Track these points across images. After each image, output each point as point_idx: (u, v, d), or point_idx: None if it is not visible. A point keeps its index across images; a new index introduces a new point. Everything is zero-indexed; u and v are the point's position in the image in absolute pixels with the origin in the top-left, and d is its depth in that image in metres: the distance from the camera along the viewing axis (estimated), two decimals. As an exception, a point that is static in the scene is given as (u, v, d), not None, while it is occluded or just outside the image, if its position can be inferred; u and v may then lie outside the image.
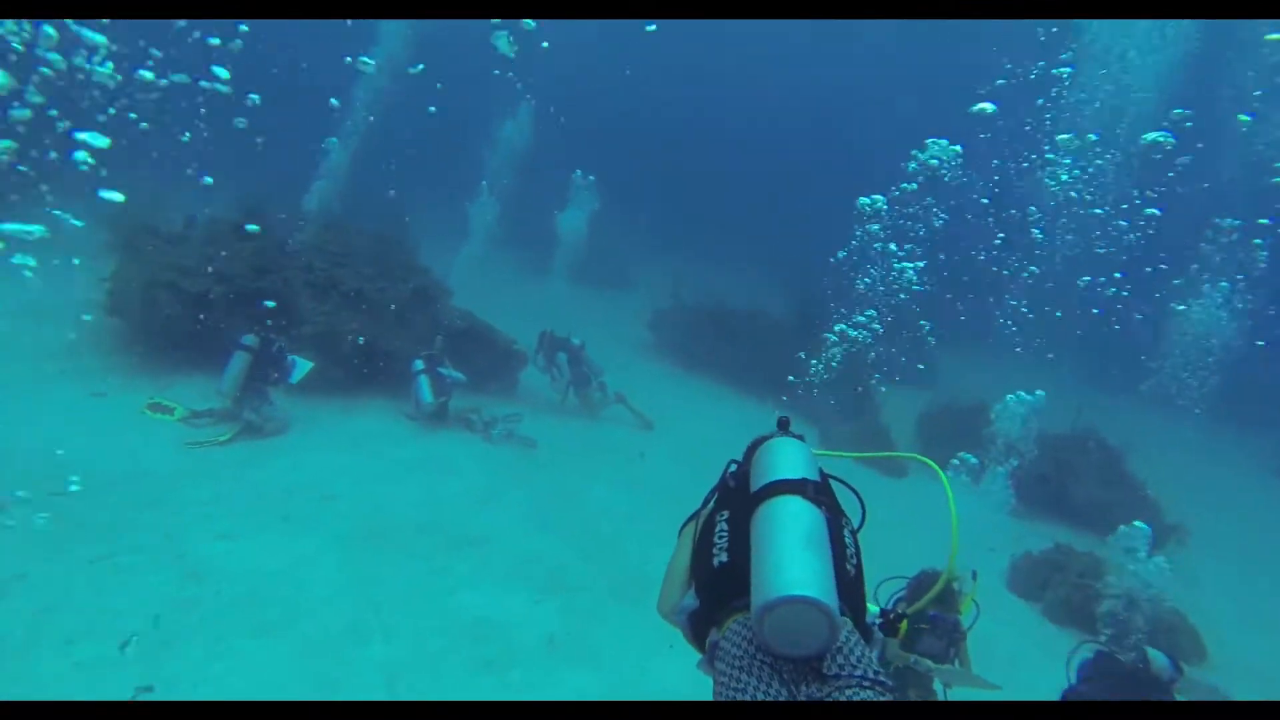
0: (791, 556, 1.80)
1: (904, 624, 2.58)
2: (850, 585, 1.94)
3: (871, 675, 1.72)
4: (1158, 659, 5.03)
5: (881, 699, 1.69)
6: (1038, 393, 10.44)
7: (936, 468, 2.67)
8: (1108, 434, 11.62)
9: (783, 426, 2.44)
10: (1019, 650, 7.13)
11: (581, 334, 11.37)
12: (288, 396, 8.47)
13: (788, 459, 2.11)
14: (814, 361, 12.97)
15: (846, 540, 2.04)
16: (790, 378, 11.74)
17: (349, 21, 8.74)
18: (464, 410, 9.49)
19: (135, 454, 6.80)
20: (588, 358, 10.83)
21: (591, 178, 19.72)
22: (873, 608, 2.35)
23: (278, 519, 6.24)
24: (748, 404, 13.45)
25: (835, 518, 2.06)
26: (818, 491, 1.98)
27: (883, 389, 13.65)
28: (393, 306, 9.99)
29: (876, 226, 11.31)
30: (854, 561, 2.02)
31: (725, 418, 12.43)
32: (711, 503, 2.26)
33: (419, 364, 9.35)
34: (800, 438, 2.33)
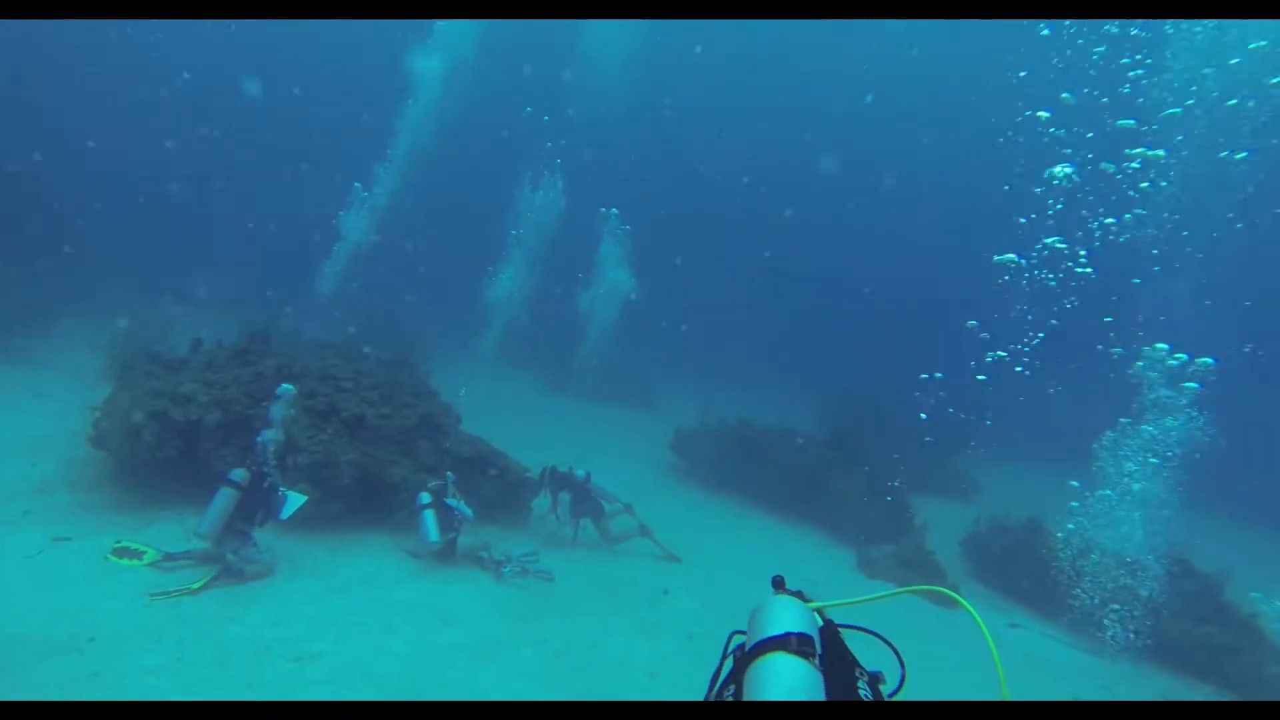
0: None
1: None
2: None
3: None
4: None
5: None
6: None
7: (959, 598, 2.37)
8: (1193, 556, 10.31)
9: (777, 586, 2.29)
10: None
11: (596, 459, 10.52)
12: (278, 533, 7.58)
13: (774, 617, 2.01)
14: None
15: (861, 689, 1.97)
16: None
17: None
18: (473, 547, 8.54)
19: (88, 612, 5.87)
20: (597, 488, 9.87)
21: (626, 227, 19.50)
22: None
23: (241, 689, 5.21)
24: (781, 529, 12.28)
25: (841, 667, 2.01)
26: (801, 644, 1.90)
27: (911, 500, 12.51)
28: (397, 436, 9.23)
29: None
30: None
31: (755, 545, 11.30)
32: (719, 681, 2.11)
33: (425, 497, 8.48)
34: (797, 594, 2.21)
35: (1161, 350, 10.73)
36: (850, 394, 20.23)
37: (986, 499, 14.70)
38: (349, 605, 6.84)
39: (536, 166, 19.88)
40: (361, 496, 8.56)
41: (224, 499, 6.93)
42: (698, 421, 14.99)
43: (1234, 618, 9.68)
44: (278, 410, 7.61)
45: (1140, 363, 10.61)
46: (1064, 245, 13.23)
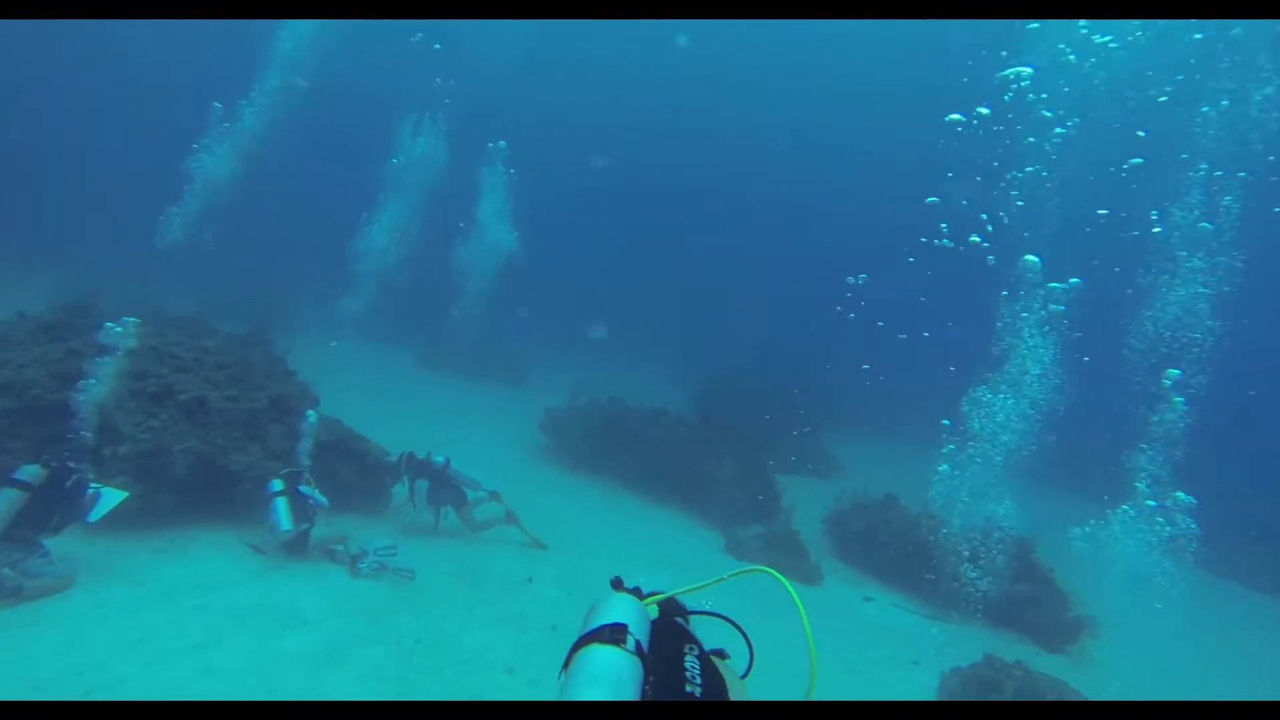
0: (570, 698, 1.84)
1: None
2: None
3: None
4: None
5: None
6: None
7: (778, 576, 2.50)
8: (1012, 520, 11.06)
9: (615, 586, 2.39)
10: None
11: (465, 441, 10.04)
12: (87, 537, 6.70)
13: (598, 613, 2.14)
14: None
15: (687, 666, 2.08)
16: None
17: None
18: (328, 539, 7.92)
19: None
20: (458, 474, 9.34)
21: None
22: None
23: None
24: (651, 511, 12.23)
25: (671, 648, 2.14)
26: (614, 632, 2.00)
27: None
28: (244, 420, 8.41)
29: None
30: (699, 683, 2.04)
31: (624, 528, 11.15)
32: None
33: (276, 484, 7.78)
34: (634, 590, 2.35)
35: (1033, 261, 11.36)
36: (721, 375, 20.54)
37: (850, 476, 15.24)
38: (171, 616, 6.11)
39: (421, 109, 18.71)
40: (199, 487, 7.73)
41: (4, 501, 5.99)
42: (569, 400, 14.71)
43: (1039, 575, 10.49)
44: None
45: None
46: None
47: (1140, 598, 11.16)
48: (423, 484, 9.06)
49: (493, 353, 21.49)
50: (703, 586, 2.63)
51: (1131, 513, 10.56)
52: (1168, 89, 16.12)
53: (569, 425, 14.23)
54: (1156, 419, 11.14)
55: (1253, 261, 12.75)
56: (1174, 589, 11.16)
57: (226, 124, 14.75)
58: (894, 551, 10.89)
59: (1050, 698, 6.92)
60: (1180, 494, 10.37)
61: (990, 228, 13.65)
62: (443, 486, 9.14)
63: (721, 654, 2.40)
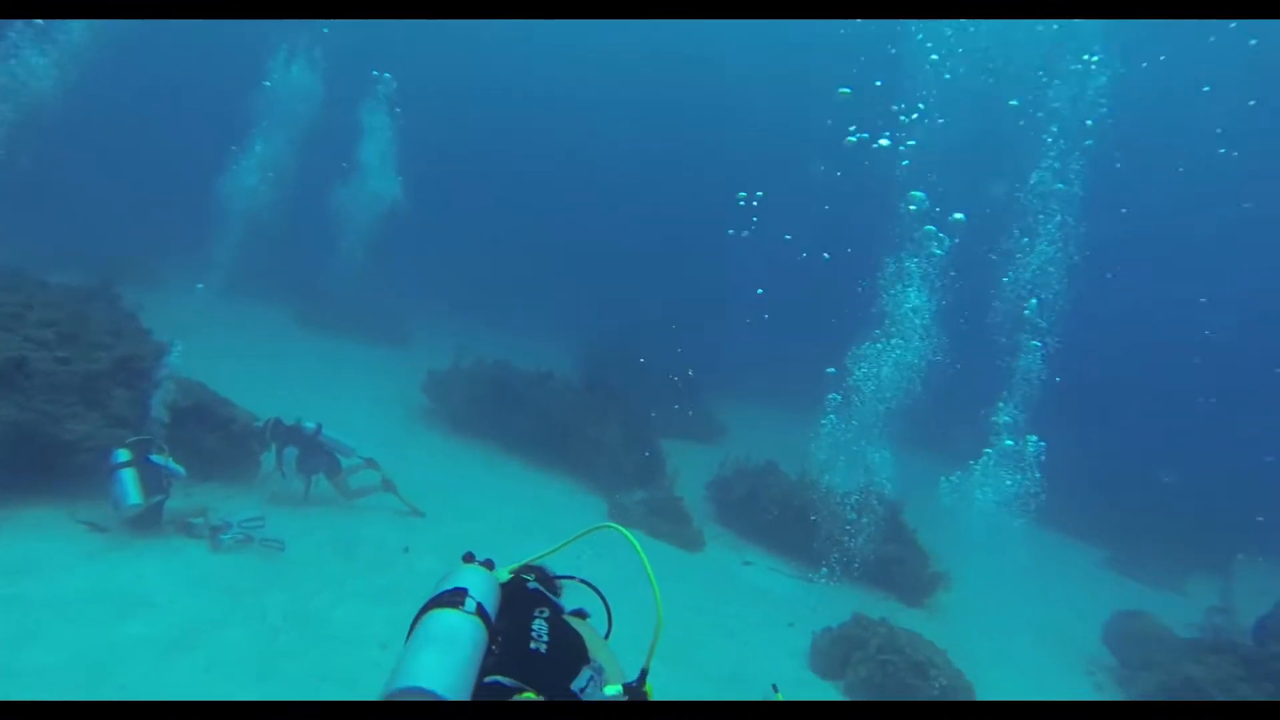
0: (405, 659, 1.87)
1: (649, 687, 2.21)
2: (540, 663, 2.02)
3: None
4: None
5: None
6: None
7: (622, 530, 2.50)
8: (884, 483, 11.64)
9: (466, 560, 2.40)
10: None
11: (343, 403, 9.44)
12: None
13: (444, 582, 2.18)
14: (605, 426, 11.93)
15: (534, 627, 2.13)
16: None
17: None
18: (185, 512, 7.29)
19: None
20: (331, 440, 8.72)
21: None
22: (612, 689, 2.10)
23: None
24: (534, 477, 12.05)
25: (521, 610, 2.20)
26: (452, 596, 2.06)
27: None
28: (80, 384, 7.53)
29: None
30: (545, 641, 2.09)
31: (506, 494, 10.90)
32: None
33: (122, 454, 7.01)
34: (485, 563, 2.37)
35: (919, 197, 11.79)
36: (607, 339, 20.40)
37: (734, 441, 15.55)
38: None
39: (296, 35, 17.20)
40: (20, 462, 6.87)
41: None
42: (452, 362, 14.20)
43: (905, 535, 11.10)
44: None
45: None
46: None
47: (989, 551, 12.07)
48: (291, 451, 8.42)
49: (374, 311, 20.47)
50: (553, 551, 2.67)
51: (992, 459, 11.35)
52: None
53: (452, 388, 13.75)
54: (1016, 364, 11.98)
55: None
56: (1017, 542, 12.13)
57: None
58: (774, 516, 11.21)
59: (908, 651, 7.34)
60: (1033, 437, 11.22)
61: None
62: (314, 454, 8.56)
63: (581, 614, 2.45)
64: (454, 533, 8.86)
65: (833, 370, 11.29)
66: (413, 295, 23.74)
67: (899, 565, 10.49)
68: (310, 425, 8.58)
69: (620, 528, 2.48)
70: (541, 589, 2.42)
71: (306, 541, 7.65)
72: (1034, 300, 12.61)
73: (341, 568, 7.37)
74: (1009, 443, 11.42)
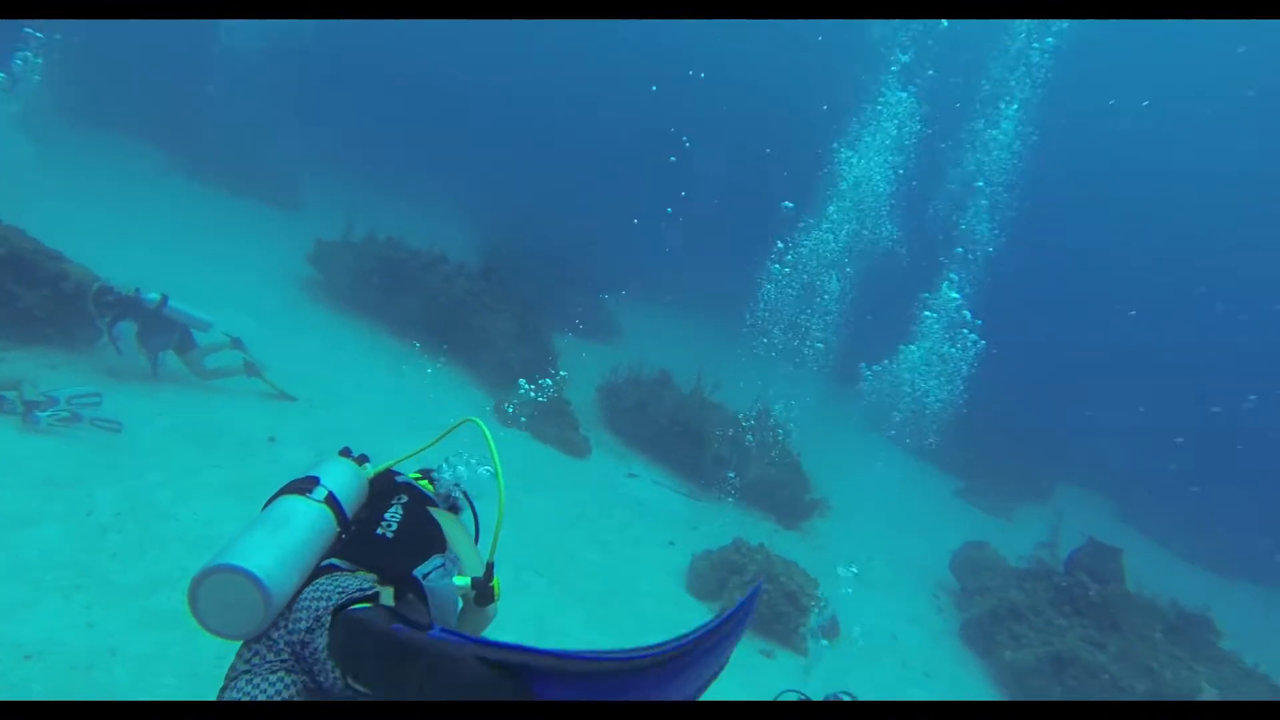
0: (232, 539, 1.79)
1: (496, 581, 2.15)
2: (383, 547, 1.99)
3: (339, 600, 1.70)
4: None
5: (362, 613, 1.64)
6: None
7: (480, 423, 2.41)
8: (774, 407, 11.54)
9: (342, 454, 2.35)
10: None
11: (217, 268, 8.10)
12: None
13: (306, 471, 2.15)
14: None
15: (387, 515, 2.12)
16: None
17: None
18: (-2, 382, 6.07)
19: None
20: (177, 314, 7.31)
21: None
22: (461, 580, 2.07)
23: None
24: (422, 366, 11.15)
25: (381, 501, 2.22)
26: (302, 484, 2.04)
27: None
28: None
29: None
30: (393, 529, 2.06)
31: (389, 384, 10.00)
32: None
33: None
34: (360, 458, 2.34)
35: None
36: (507, 229, 19.09)
37: (630, 344, 15.09)
38: None
39: None
40: None
41: None
42: (344, 233, 12.78)
43: (790, 460, 11.14)
44: None
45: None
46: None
47: (864, 475, 12.40)
48: (127, 326, 7.07)
49: (262, 165, 18.13)
50: (422, 449, 2.62)
51: (917, 352, 11.46)
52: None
53: (341, 261, 12.38)
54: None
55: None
56: (890, 468, 12.51)
57: None
58: (662, 429, 10.91)
59: (783, 580, 7.31)
60: (968, 313, 11.36)
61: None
62: (159, 329, 7.26)
63: (454, 508, 2.47)
64: (327, 421, 8.01)
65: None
66: (308, 156, 21.26)
67: (780, 489, 10.51)
68: (153, 296, 7.15)
69: (480, 423, 2.40)
70: (411, 482, 2.39)
71: (153, 426, 6.62)
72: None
73: (194, 457, 6.42)
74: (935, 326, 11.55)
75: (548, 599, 6.49)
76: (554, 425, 10.01)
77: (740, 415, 10.93)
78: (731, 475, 10.13)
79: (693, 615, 7.21)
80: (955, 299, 11.69)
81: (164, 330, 7.26)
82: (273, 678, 1.66)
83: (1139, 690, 7.59)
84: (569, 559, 7.27)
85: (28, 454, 5.63)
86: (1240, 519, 19.05)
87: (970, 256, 13.29)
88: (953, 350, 11.60)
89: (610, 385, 11.80)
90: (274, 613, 1.72)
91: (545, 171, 30.45)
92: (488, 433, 2.35)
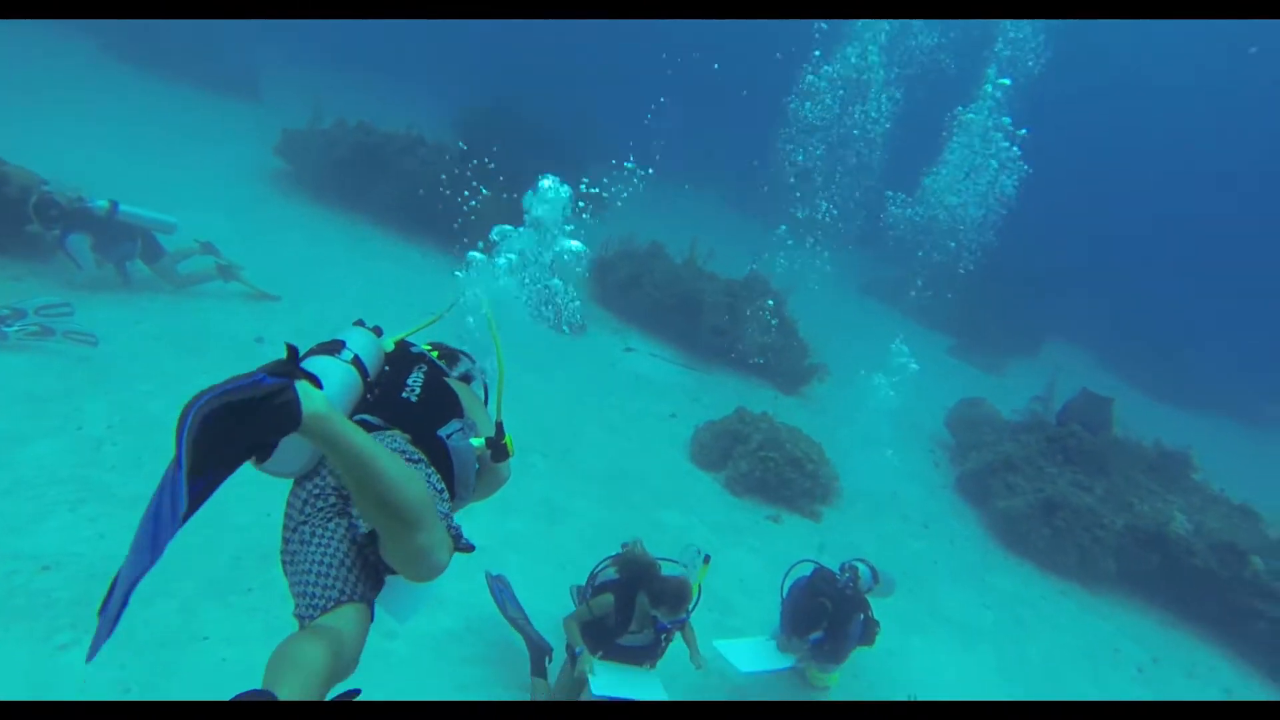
0: None
1: (508, 438, 2.23)
2: (409, 408, 2.09)
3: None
4: (863, 571, 4.92)
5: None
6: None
7: (482, 299, 2.55)
8: (771, 277, 11.26)
9: (356, 325, 2.30)
10: (698, 535, 6.34)
11: (180, 163, 7.50)
12: None
13: (332, 337, 2.16)
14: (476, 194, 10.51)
15: (409, 380, 2.19)
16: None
17: None
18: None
19: None
20: (132, 217, 6.76)
21: None
22: (477, 441, 2.18)
23: None
24: (404, 252, 10.73)
25: (404, 364, 2.28)
26: (330, 347, 2.06)
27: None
28: None
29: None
30: (416, 393, 2.15)
31: (373, 271, 9.63)
32: None
33: None
34: (374, 329, 2.31)
35: None
36: (488, 105, 17.92)
37: (620, 216, 14.48)
38: None
39: None
40: None
41: None
42: (311, 121, 11.92)
43: (789, 327, 11.01)
44: None
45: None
46: None
47: (859, 337, 12.30)
48: (80, 239, 6.53)
49: (217, 52, 16.66)
50: (428, 323, 2.66)
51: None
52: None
53: (310, 150, 11.61)
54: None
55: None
56: (884, 329, 12.39)
57: None
58: (657, 302, 10.67)
59: (788, 447, 7.32)
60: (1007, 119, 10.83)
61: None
62: (116, 238, 6.73)
63: (466, 378, 2.53)
64: (315, 316, 7.72)
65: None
66: (261, 38, 19.53)
67: (779, 355, 10.42)
68: (100, 204, 6.58)
69: (482, 296, 2.42)
70: (425, 353, 2.44)
71: (132, 334, 6.33)
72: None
73: (182, 364, 6.18)
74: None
75: (554, 481, 6.49)
76: (548, 303, 9.74)
77: (735, 283, 10.67)
78: (728, 344, 9.95)
79: (699, 486, 7.29)
80: (1005, 83, 11.12)
81: (123, 239, 6.77)
82: (330, 525, 1.81)
83: (1119, 525, 7.87)
84: (573, 439, 7.24)
85: (4, 371, 5.37)
86: (1219, 359, 19.43)
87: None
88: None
89: (602, 259, 11.41)
90: (316, 456, 1.85)
91: (528, 45, 28.35)
92: (487, 305, 2.42)
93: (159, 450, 5.13)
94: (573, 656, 4.01)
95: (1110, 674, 6.59)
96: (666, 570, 4.12)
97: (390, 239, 10.88)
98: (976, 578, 7.31)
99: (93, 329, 5.95)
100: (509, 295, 3.76)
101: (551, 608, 4.85)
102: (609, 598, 4.00)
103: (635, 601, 4.00)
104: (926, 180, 11.82)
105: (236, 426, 1.43)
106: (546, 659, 4.38)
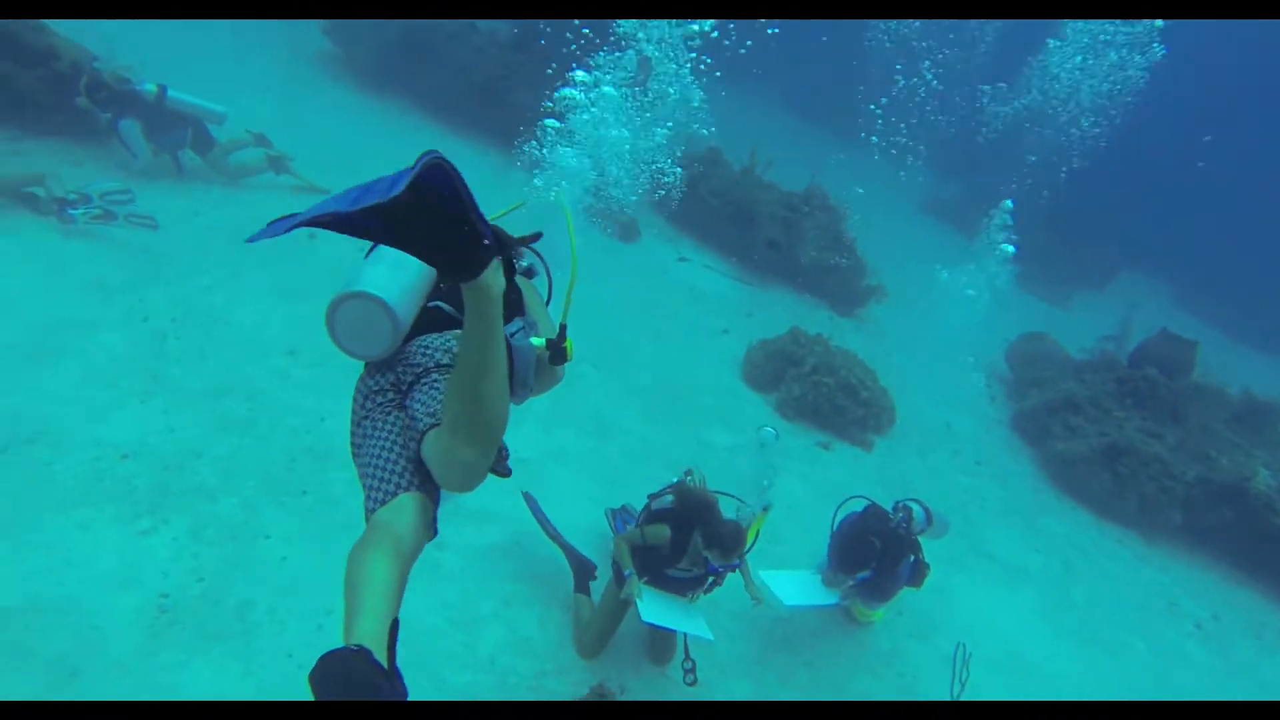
0: (358, 271, 1.91)
1: (569, 343, 2.12)
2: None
3: (446, 360, 1.91)
4: (917, 512, 4.81)
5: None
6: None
7: (561, 197, 2.60)
8: (830, 188, 10.65)
9: None
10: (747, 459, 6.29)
11: (221, 44, 7.19)
12: None
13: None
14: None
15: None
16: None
17: None
18: (16, 180, 5.68)
19: None
20: (182, 103, 6.58)
21: None
22: (538, 340, 2.12)
23: None
24: (455, 145, 10.37)
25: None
26: None
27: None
28: None
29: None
30: None
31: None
32: None
33: None
34: None
35: None
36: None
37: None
38: None
39: None
40: None
41: None
42: None
43: (845, 244, 10.44)
44: None
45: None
46: None
47: (923, 261, 11.73)
48: (130, 124, 6.37)
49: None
50: (501, 215, 2.42)
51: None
52: None
53: (360, 32, 11.13)
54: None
55: None
56: (950, 254, 11.80)
57: None
58: (713, 211, 10.25)
59: (842, 373, 7.11)
60: None
61: None
62: (168, 125, 6.58)
63: (530, 273, 2.46)
64: (368, 213, 7.57)
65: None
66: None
67: (836, 274, 10.03)
68: (149, 87, 6.37)
69: (560, 195, 2.48)
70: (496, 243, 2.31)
71: (190, 225, 6.31)
72: None
73: (237, 257, 6.13)
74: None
75: (603, 392, 6.45)
76: (602, 205, 9.44)
77: (793, 196, 10.14)
78: (785, 259, 9.49)
79: (750, 407, 7.18)
80: None
81: (174, 126, 6.64)
82: (390, 418, 1.89)
83: (1189, 476, 7.52)
84: (623, 351, 7.14)
85: (73, 257, 5.43)
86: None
87: None
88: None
89: (658, 166, 10.91)
90: (399, 338, 1.90)
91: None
92: (565, 203, 2.30)
93: (219, 345, 5.19)
94: (619, 576, 4.02)
95: (1164, 628, 6.35)
96: (725, 507, 4.06)
97: (441, 131, 10.53)
98: (1027, 519, 7.17)
99: (153, 215, 5.91)
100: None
101: (598, 523, 4.91)
102: (665, 530, 3.96)
103: (690, 539, 3.95)
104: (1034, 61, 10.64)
105: (433, 225, 1.39)
106: (591, 577, 4.44)
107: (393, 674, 1.32)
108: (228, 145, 7.07)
